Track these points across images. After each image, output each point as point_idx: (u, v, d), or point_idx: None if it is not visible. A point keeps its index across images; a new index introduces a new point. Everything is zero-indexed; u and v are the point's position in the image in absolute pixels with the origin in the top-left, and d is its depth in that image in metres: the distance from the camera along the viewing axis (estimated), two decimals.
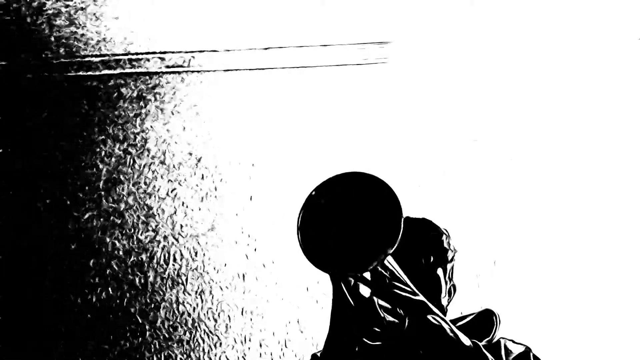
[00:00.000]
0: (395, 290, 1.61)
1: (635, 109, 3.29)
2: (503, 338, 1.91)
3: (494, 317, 1.92)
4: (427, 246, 1.89)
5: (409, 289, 1.63)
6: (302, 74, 3.39)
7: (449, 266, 1.94)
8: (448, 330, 1.62)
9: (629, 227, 3.19)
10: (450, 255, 1.94)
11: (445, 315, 1.90)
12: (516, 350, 1.87)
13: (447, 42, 3.36)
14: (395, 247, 1.52)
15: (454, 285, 1.96)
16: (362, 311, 1.60)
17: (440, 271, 1.90)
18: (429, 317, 1.61)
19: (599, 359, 3.06)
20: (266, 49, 3.39)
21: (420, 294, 1.64)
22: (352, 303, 1.61)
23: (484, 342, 1.85)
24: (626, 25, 3.24)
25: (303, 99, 3.37)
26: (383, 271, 1.63)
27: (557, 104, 3.31)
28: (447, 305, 1.93)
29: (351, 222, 1.60)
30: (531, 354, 1.87)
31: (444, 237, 1.93)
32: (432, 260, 1.88)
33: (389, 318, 1.65)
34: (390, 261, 1.64)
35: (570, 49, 3.34)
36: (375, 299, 1.61)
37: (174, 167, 3.34)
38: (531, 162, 3.26)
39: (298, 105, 3.36)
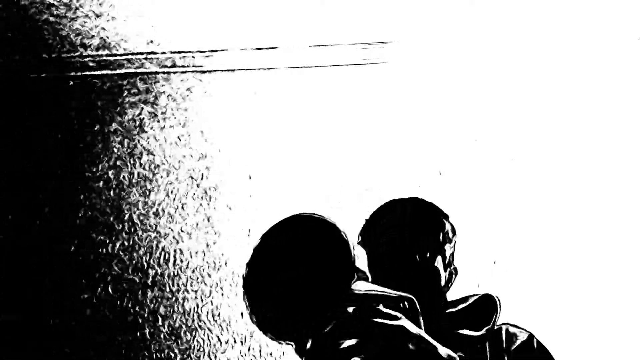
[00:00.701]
0: (374, 319, 1.54)
1: (635, 109, 3.29)
2: (506, 324, 1.87)
3: (495, 303, 1.88)
4: (422, 243, 1.83)
5: (388, 313, 1.55)
6: (302, 74, 3.39)
7: (447, 253, 1.88)
8: (430, 353, 1.56)
9: (630, 226, 3.19)
10: (448, 245, 1.88)
11: (444, 303, 1.86)
12: (519, 336, 1.83)
13: (447, 42, 3.36)
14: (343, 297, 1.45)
15: (455, 269, 1.91)
16: None
17: (439, 260, 1.85)
18: (409, 344, 1.54)
19: (599, 358, 3.06)
20: (266, 48, 3.39)
21: (400, 317, 1.57)
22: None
23: (483, 331, 1.82)
24: (626, 25, 3.24)
25: (303, 99, 3.37)
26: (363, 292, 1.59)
27: (558, 104, 3.31)
28: (448, 289, 1.89)
29: (301, 275, 1.51)
30: (534, 340, 1.82)
31: (440, 231, 1.87)
32: (428, 256, 1.83)
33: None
34: (366, 282, 1.59)
35: (570, 49, 3.34)
36: (342, 343, 1.51)
37: (174, 166, 3.35)
38: (532, 162, 3.26)
39: (298, 105, 3.37)
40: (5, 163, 3.39)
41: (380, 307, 1.55)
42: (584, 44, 3.33)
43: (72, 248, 3.29)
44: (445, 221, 1.91)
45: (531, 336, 1.83)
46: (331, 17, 3.14)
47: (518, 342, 1.81)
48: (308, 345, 1.53)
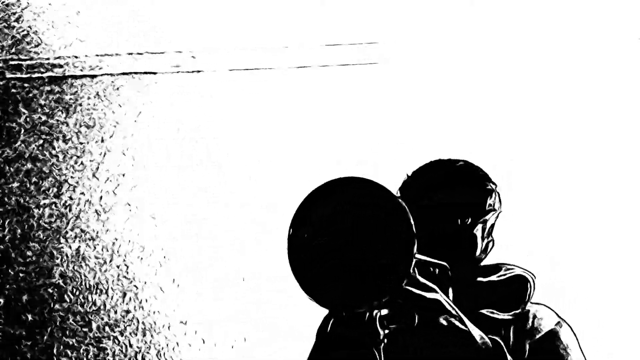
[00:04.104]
0: (407, 288, 1.43)
1: (635, 109, 3.29)
2: (539, 305, 1.74)
3: (528, 286, 1.76)
4: (466, 208, 1.73)
5: (424, 284, 1.45)
6: (302, 73, 3.39)
7: (489, 223, 1.78)
8: (461, 331, 1.47)
9: (630, 227, 3.19)
10: (492, 215, 1.77)
11: (477, 271, 1.75)
12: (545, 325, 1.71)
13: (447, 42, 3.36)
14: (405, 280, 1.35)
15: (492, 240, 1.81)
16: (358, 332, 1.42)
17: (479, 229, 1.76)
18: (441, 319, 1.45)
19: (599, 358, 3.06)
20: (266, 48, 3.39)
21: (436, 289, 1.45)
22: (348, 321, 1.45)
23: (510, 315, 1.69)
24: (626, 25, 3.23)
25: (303, 99, 3.37)
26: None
27: (558, 104, 3.31)
28: (482, 260, 1.79)
29: (352, 249, 1.39)
30: (560, 333, 1.68)
31: (488, 197, 1.77)
32: (469, 221, 1.73)
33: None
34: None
35: (570, 49, 3.34)
36: (375, 312, 1.43)
37: (173, 167, 3.34)
38: (532, 162, 3.26)
39: (298, 105, 3.36)
40: None
41: (417, 274, 1.45)
42: (584, 44, 3.33)
43: (72, 248, 3.29)
44: (493, 189, 1.81)
45: (556, 329, 1.71)
46: (331, 17, 3.13)
47: (541, 334, 1.70)
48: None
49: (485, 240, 1.78)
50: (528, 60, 3.35)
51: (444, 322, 1.47)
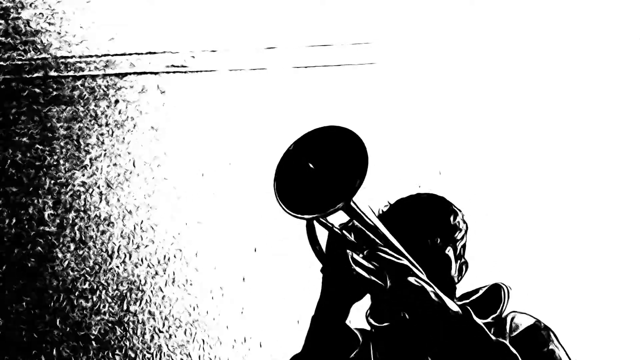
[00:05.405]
0: (379, 253, 1.59)
1: (635, 109, 3.29)
2: (515, 312, 1.86)
3: (502, 292, 1.87)
4: (433, 227, 1.84)
5: (393, 254, 1.60)
6: (301, 74, 3.39)
7: (459, 245, 1.88)
8: (431, 294, 1.58)
9: (630, 226, 3.19)
10: (459, 234, 1.88)
11: (454, 292, 1.86)
12: (523, 324, 1.82)
13: (447, 42, 3.36)
14: (360, 185, 1.52)
15: (465, 263, 1.91)
16: (334, 260, 1.60)
17: (450, 250, 1.85)
18: (410, 278, 1.57)
19: (597, 358, 3.06)
20: (266, 49, 3.39)
21: (405, 258, 1.61)
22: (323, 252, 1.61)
23: (489, 319, 1.80)
24: (626, 25, 3.23)
25: (302, 99, 3.37)
26: (373, 236, 1.62)
27: (557, 104, 3.31)
28: (458, 282, 1.89)
29: (321, 171, 1.62)
30: (539, 329, 1.80)
31: (451, 217, 1.87)
32: (439, 241, 1.83)
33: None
34: (380, 227, 1.64)
35: (571, 49, 3.34)
36: (349, 252, 1.58)
37: (173, 167, 3.35)
38: (532, 161, 3.26)
39: (297, 105, 3.37)
40: None
41: (386, 250, 1.60)
42: (584, 44, 3.33)
43: (73, 248, 3.30)
44: (457, 211, 1.91)
45: (536, 324, 1.82)
46: (331, 17, 3.14)
47: (520, 329, 1.81)
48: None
49: (459, 262, 1.89)
50: (528, 60, 3.35)
51: (414, 282, 1.58)
